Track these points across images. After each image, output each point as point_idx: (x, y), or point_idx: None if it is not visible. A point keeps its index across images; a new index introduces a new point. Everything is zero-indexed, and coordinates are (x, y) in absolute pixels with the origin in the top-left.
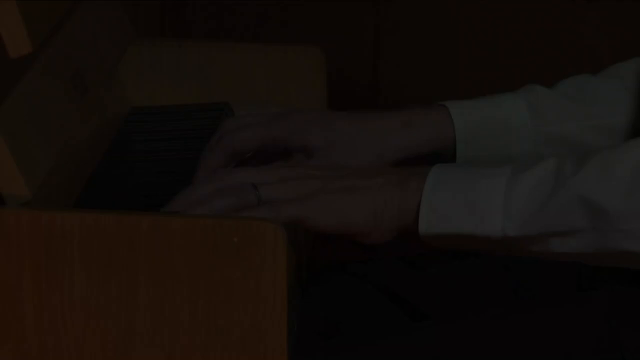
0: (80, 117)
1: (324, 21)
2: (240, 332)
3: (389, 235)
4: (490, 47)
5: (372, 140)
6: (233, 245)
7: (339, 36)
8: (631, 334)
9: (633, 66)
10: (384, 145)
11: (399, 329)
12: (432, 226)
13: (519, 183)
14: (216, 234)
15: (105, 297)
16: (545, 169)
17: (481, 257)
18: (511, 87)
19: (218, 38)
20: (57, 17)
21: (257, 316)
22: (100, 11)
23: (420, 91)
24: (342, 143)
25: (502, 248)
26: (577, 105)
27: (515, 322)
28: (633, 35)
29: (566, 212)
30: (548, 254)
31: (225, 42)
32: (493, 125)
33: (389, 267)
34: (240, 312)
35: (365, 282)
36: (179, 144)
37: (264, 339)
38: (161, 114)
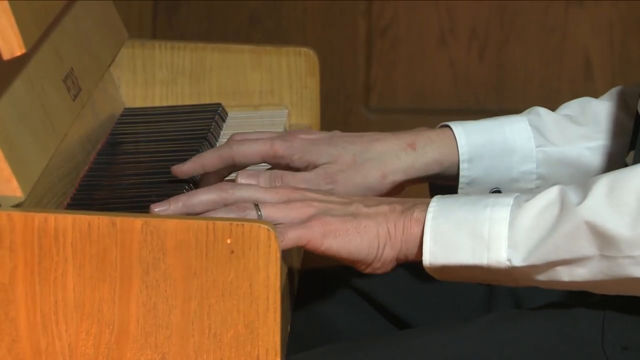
0: (73, 118)
1: (316, 23)
2: (233, 333)
3: (389, 266)
4: (482, 48)
5: (377, 160)
6: (227, 246)
7: (332, 38)
8: (621, 341)
9: (636, 90)
10: (388, 166)
11: (382, 337)
12: (435, 257)
13: (522, 212)
14: (209, 236)
15: (98, 298)
16: (549, 197)
17: None
18: (502, 86)
19: (211, 39)
20: (50, 18)
21: (250, 317)
22: (93, 12)
23: (412, 93)
24: (345, 159)
25: (509, 279)
26: (578, 127)
27: (501, 332)
28: (625, 36)
29: (573, 240)
30: (556, 283)
31: (218, 44)
32: (496, 146)
33: (374, 275)
34: (234, 313)
35: (351, 289)
36: (172, 145)
37: (258, 340)
38: (154, 115)
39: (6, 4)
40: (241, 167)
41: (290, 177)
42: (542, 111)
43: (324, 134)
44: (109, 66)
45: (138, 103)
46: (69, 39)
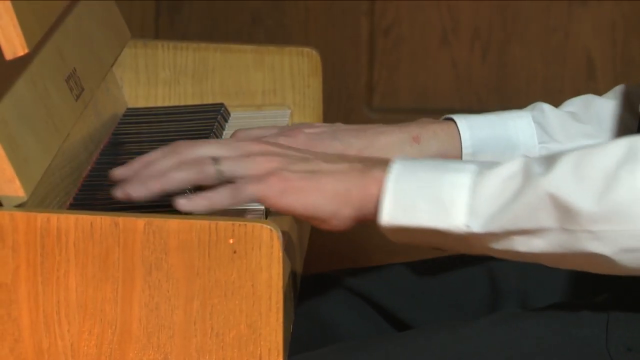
0: (76, 118)
1: (319, 22)
2: (236, 333)
3: (348, 223)
4: (484, 48)
5: (381, 153)
6: (229, 246)
7: (334, 37)
8: (625, 342)
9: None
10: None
11: (384, 338)
12: (393, 217)
13: (485, 180)
14: (212, 235)
15: (100, 298)
16: (513, 167)
17: (466, 265)
18: (505, 86)
19: (213, 39)
20: (53, 18)
21: (253, 317)
22: (95, 12)
23: (414, 92)
24: (350, 154)
25: (465, 245)
26: (581, 125)
27: (503, 332)
28: (627, 36)
29: (534, 211)
30: (511, 253)
31: (220, 44)
32: (500, 141)
33: (375, 277)
34: (236, 313)
35: (351, 291)
36: None
37: (260, 340)
38: (157, 115)
39: (8, 4)
40: None
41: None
42: (546, 107)
43: (327, 127)
44: (112, 66)
45: (141, 103)
46: (72, 39)
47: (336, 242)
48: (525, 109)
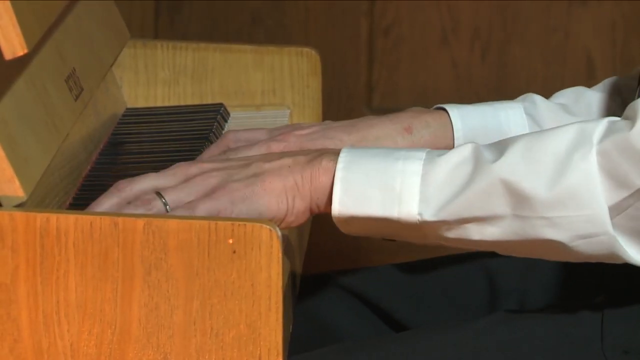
0: (75, 118)
1: (319, 22)
2: (235, 333)
3: (302, 218)
4: (484, 48)
5: (375, 146)
6: (229, 246)
7: (334, 37)
8: (622, 345)
9: (630, 82)
10: None
11: (383, 338)
12: (345, 207)
13: (436, 167)
14: (211, 235)
15: (100, 298)
16: (463, 153)
17: (465, 265)
18: (505, 86)
19: (213, 39)
20: (52, 18)
21: (252, 317)
22: (95, 12)
23: (414, 93)
24: None
25: (418, 234)
26: (571, 116)
27: (501, 333)
28: (627, 36)
29: (486, 198)
30: (465, 241)
31: (220, 44)
32: (491, 131)
33: (373, 278)
34: (236, 313)
35: (350, 292)
36: (174, 145)
37: (260, 340)
38: (156, 115)
39: (8, 3)
40: None
41: None
42: (537, 98)
43: (317, 127)
44: (111, 66)
45: (140, 103)
46: (71, 39)
47: (336, 242)
48: (516, 99)
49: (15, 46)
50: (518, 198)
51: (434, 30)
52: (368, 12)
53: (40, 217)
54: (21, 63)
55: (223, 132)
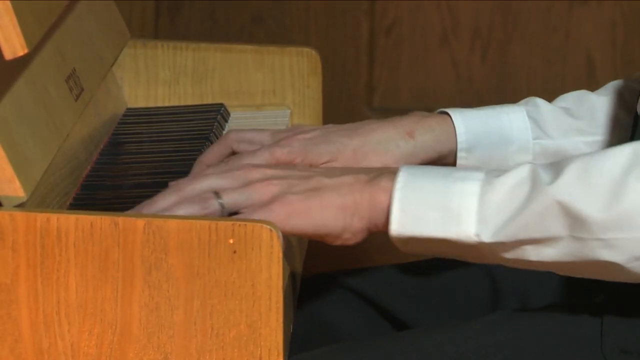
0: (76, 118)
1: (319, 22)
2: (236, 333)
3: (360, 236)
4: (485, 48)
5: (377, 150)
6: (229, 246)
7: (335, 37)
8: (620, 345)
9: (634, 85)
10: (388, 156)
11: (383, 338)
12: (403, 227)
13: (494, 188)
14: (212, 236)
15: (100, 298)
16: (520, 174)
17: (467, 266)
18: (505, 86)
19: (213, 39)
20: (53, 18)
21: (253, 317)
22: (95, 13)
23: (415, 93)
24: (346, 155)
25: (476, 254)
26: (574, 120)
27: (501, 333)
28: (628, 36)
29: (543, 219)
30: (522, 262)
31: (220, 44)
32: (494, 136)
33: (375, 278)
34: (236, 313)
35: (351, 292)
36: (174, 145)
37: (260, 340)
38: (156, 115)
39: (8, 4)
40: None
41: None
42: (540, 102)
43: (319, 130)
44: (112, 66)
45: (140, 103)
46: (72, 39)
47: None
48: (519, 103)
49: (15, 46)
50: (574, 220)
51: (435, 30)
52: (369, 12)
53: (40, 217)
54: (22, 63)
55: (223, 132)
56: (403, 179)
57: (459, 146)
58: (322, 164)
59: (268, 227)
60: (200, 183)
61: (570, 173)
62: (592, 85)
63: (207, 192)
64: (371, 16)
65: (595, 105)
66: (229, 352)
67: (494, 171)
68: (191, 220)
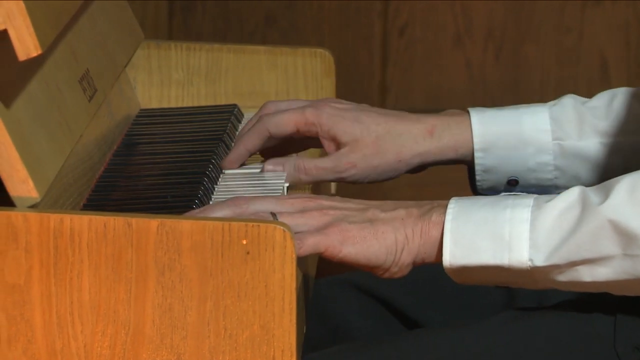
0: (89, 119)
1: (332, 23)
2: (249, 333)
3: (405, 270)
4: (498, 48)
5: (396, 143)
6: (242, 247)
7: (348, 38)
8: (634, 341)
9: None
10: (405, 149)
11: (395, 336)
12: (456, 257)
13: (543, 213)
14: (225, 236)
15: (114, 299)
16: (570, 198)
17: None
18: (518, 86)
19: (226, 40)
20: (66, 19)
21: (266, 318)
22: (108, 13)
23: (428, 93)
24: (367, 142)
25: (529, 280)
26: (598, 121)
27: (513, 330)
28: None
29: (596, 239)
30: (576, 284)
31: (233, 45)
32: (510, 137)
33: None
34: (250, 314)
35: (363, 292)
36: (188, 146)
37: (273, 341)
38: (170, 116)
39: (22, 4)
40: (277, 138)
41: (313, 163)
42: (569, 102)
43: (353, 106)
44: (125, 67)
45: (154, 104)
46: (85, 40)
47: None
48: (548, 102)
49: (29, 47)
50: (626, 237)
51: (448, 30)
52: (382, 13)
53: (54, 218)
54: (35, 64)
55: (237, 133)
56: (453, 210)
57: (475, 146)
58: (343, 143)
59: (281, 227)
60: (258, 205)
61: (620, 192)
62: (606, 85)
63: (265, 213)
64: (384, 17)
65: (626, 106)
66: (242, 353)
67: (543, 196)
68: (204, 221)
